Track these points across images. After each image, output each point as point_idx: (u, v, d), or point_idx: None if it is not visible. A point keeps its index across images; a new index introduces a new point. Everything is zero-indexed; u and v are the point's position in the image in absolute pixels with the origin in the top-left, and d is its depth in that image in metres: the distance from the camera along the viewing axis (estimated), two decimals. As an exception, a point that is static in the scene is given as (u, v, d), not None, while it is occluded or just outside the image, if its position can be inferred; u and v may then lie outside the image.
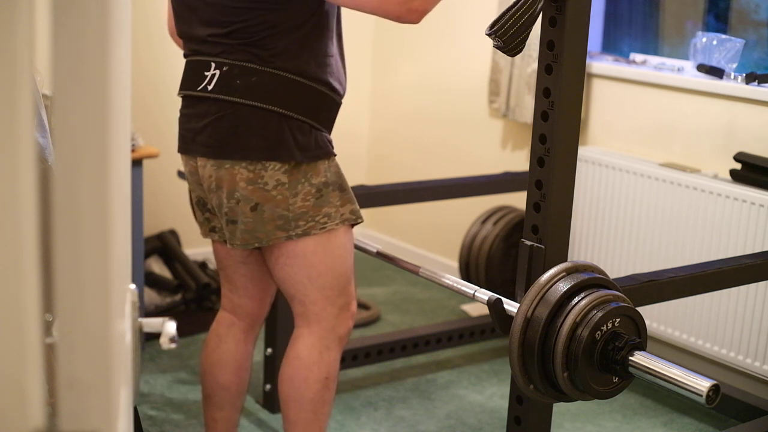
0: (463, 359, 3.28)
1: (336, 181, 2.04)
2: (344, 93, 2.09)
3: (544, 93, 1.82)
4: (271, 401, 2.83)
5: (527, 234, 1.89)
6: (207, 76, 1.98)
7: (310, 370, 2.10)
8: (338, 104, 2.06)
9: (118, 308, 0.80)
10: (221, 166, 1.98)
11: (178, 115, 2.11)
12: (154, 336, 3.03)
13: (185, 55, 2.07)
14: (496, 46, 1.77)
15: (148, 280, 3.46)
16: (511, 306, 1.85)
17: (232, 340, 2.26)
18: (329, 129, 2.05)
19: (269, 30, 1.92)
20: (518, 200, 3.59)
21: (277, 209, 1.98)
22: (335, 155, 2.06)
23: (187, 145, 2.06)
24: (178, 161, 2.25)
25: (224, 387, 2.27)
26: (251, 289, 2.24)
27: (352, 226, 2.10)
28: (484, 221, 3.50)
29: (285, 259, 2.05)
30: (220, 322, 2.28)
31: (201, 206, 2.14)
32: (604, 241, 3.25)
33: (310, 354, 2.11)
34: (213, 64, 1.97)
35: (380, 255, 2.29)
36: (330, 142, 2.05)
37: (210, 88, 1.97)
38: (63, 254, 0.72)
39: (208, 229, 2.16)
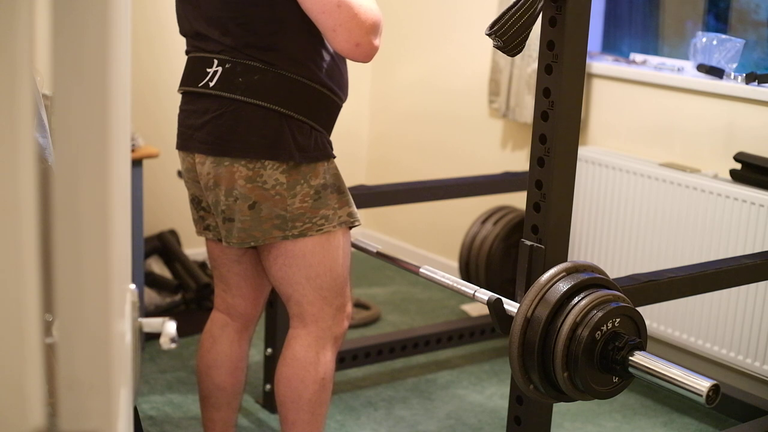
0: (463, 359, 3.28)
1: (334, 183, 2.04)
2: (346, 95, 2.08)
3: (544, 93, 1.82)
4: (271, 401, 2.83)
5: (527, 234, 1.89)
6: (209, 72, 1.97)
7: (307, 371, 2.10)
8: (339, 106, 2.06)
9: (118, 308, 0.80)
10: (220, 163, 1.98)
11: (177, 115, 2.11)
12: (154, 336, 3.03)
13: (187, 52, 2.06)
14: (496, 46, 1.77)
15: (148, 280, 3.46)
16: (511, 306, 1.85)
17: (226, 340, 2.26)
18: (329, 130, 2.05)
19: (272, 28, 1.92)
20: (518, 200, 3.59)
21: (275, 209, 1.98)
22: (334, 157, 2.06)
23: (185, 142, 2.06)
24: (177, 161, 2.25)
25: (220, 388, 2.26)
26: (245, 289, 2.24)
27: (350, 228, 2.11)
28: (484, 221, 3.50)
29: (284, 259, 2.05)
30: (214, 323, 2.28)
31: (196, 204, 2.14)
32: (604, 241, 3.25)
33: (307, 354, 2.11)
34: (216, 61, 1.97)
35: (380, 255, 2.29)
36: (329, 143, 2.05)
37: (212, 84, 1.97)
38: (63, 254, 0.72)
39: (203, 227, 2.16)
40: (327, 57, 1.99)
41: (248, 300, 2.25)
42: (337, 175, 2.05)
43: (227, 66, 1.95)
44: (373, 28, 1.88)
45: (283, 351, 2.15)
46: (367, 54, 1.89)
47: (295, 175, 1.98)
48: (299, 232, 2.01)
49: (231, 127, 1.96)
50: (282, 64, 1.94)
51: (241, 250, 2.16)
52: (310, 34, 1.93)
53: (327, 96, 2.00)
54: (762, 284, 2.80)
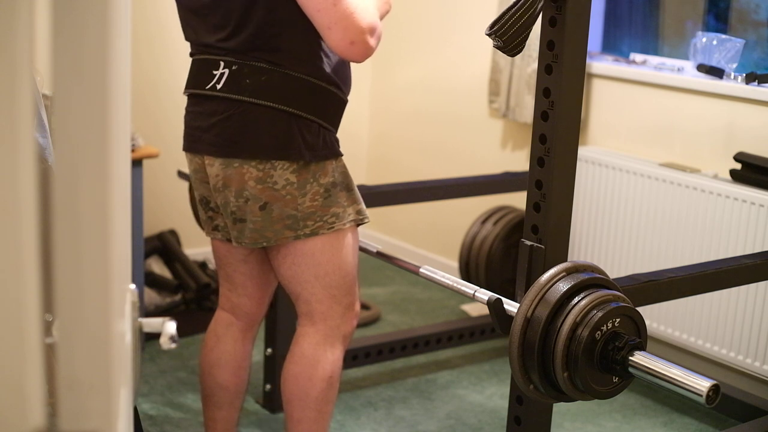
0: (463, 359, 3.28)
1: (343, 181, 2.05)
2: (349, 90, 2.09)
3: (544, 93, 1.82)
4: (271, 401, 2.83)
5: (527, 234, 1.89)
6: (215, 75, 1.97)
7: (315, 369, 2.10)
8: (345, 102, 2.06)
9: (118, 308, 0.80)
10: (229, 164, 1.98)
11: (177, 115, 2.11)
12: (154, 336, 3.03)
13: (192, 54, 2.07)
14: (496, 46, 1.77)
15: (148, 280, 3.45)
16: (511, 306, 1.85)
17: (230, 339, 2.26)
18: (336, 127, 2.06)
19: (276, 30, 1.92)
20: (518, 200, 3.59)
21: (286, 209, 1.99)
22: (342, 155, 2.06)
23: (192, 144, 2.06)
24: (178, 161, 2.25)
25: (223, 387, 2.27)
26: (250, 288, 2.24)
27: (358, 225, 2.11)
28: (484, 221, 3.50)
29: (293, 258, 2.05)
30: (218, 322, 2.28)
31: (204, 204, 2.14)
32: (604, 241, 3.25)
33: (315, 352, 2.11)
34: (222, 63, 1.97)
35: (380, 255, 2.29)
36: (337, 141, 2.06)
37: (219, 87, 1.97)
38: (63, 254, 0.72)
39: (211, 227, 2.16)
40: (331, 53, 1.99)
41: (253, 299, 2.25)
42: (345, 173, 2.06)
43: (234, 68, 1.95)
44: (370, 29, 1.87)
45: (291, 348, 2.15)
46: (361, 53, 1.89)
47: (305, 174, 1.98)
48: (311, 231, 2.01)
49: (240, 128, 1.96)
50: (288, 63, 1.94)
51: (247, 250, 2.16)
52: (314, 31, 1.93)
53: (333, 93, 2.01)
54: (762, 284, 2.80)
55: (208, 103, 2.00)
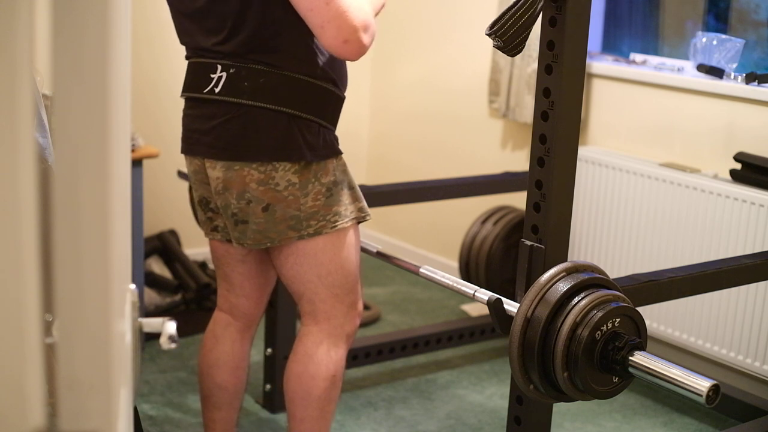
0: (463, 359, 3.28)
1: (344, 179, 2.05)
2: (346, 85, 2.09)
3: (544, 93, 1.82)
4: (271, 401, 2.83)
5: (527, 234, 1.89)
6: (213, 78, 1.97)
7: (319, 368, 2.11)
8: (342, 99, 2.06)
9: (118, 308, 0.80)
10: (230, 167, 1.98)
11: (177, 115, 2.11)
12: (154, 336, 3.03)
13: (187, 57, 2.06)
14: (496, 46, 1.77)
15: (148, 280, 3.45)
16: (511, 306, 1.85)
17: (228, 340, 2.26)
18: (335, 125, 2.06)
19: (273, 30, 1.92)
20: (518, 200, 3.59)
21: (289, 209, 1.99)
22: (342, 153, 2.06)
23: (191, 146, 2.06)
24: (178, 161, 2.25)
25: (222, 387, 2.27)
26: (248, 288, 2.24)
27: (359, 222, 2.11)
28: (484, 221, 3.50)
29: (295, 258, 2.05)
30: (216, 322, 2.28)
31: (203, 205, 2.14)
32: (604, 241, 3.25)
33: (318, 351, 2.11)
34: (219, 66, 1.96)
35: (380, 255, 2.29)
36: (336, 139, 2.06)
37: (217, 90, 1.97)
38: (63, 254, 0.72)
39: (210, 228, 2.16)
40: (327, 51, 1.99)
41: (251, 299, 2.26)
42: (346, 171, 2.06)
43: (232, 71, 1.95)
44: (363, 27, 1.86)
45: (294, 347, 2.15)
46: (355, 51, 1.87)
47: (306, 175, 1.98)
48: (314, 230, 2.01)
49: (240, 131, 1.96)
50: (286, 64, 1.94)
51: (245, 250, 2.16)
52: (309, 30, 1.93)
53: (331, 92, 2.01)
54: (762, 284, 2.80)
55: (207, 107, 2.00)
